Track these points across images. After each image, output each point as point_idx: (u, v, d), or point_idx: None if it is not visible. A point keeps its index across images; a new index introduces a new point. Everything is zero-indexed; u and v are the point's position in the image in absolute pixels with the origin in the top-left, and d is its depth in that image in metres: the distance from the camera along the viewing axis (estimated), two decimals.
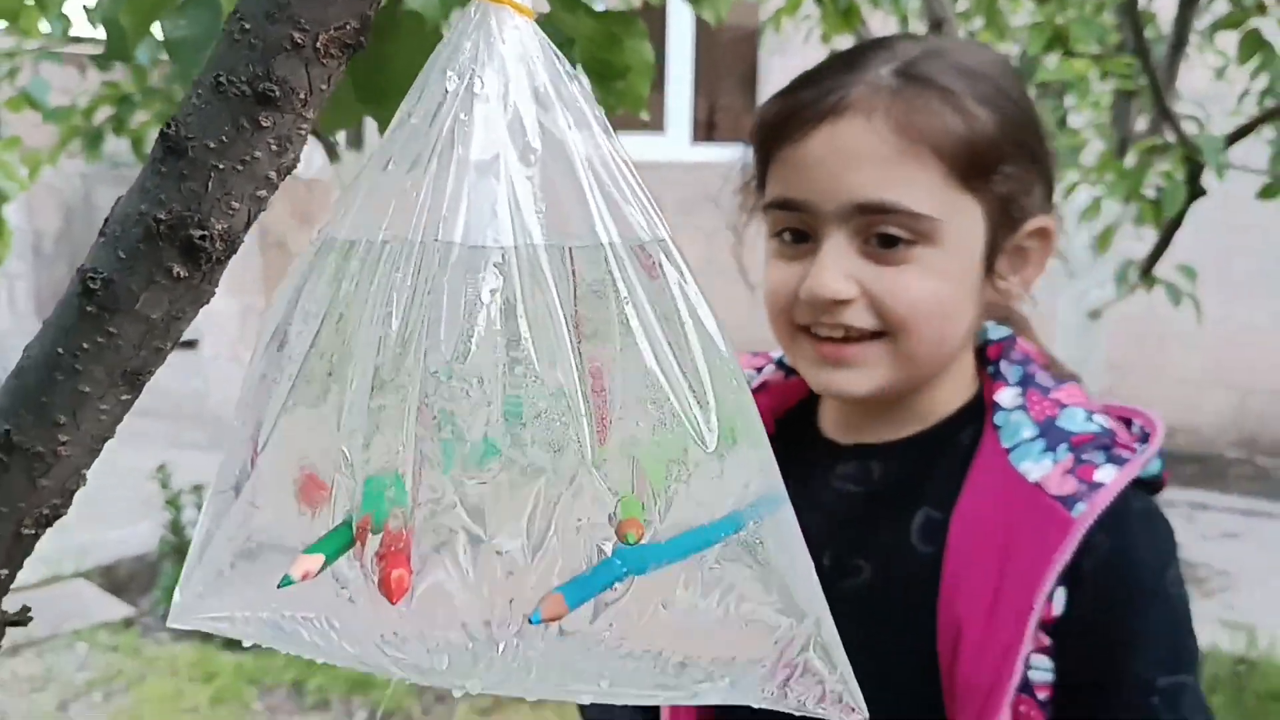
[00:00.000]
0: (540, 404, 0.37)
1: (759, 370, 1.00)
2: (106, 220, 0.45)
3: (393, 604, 0.36)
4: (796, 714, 0.42)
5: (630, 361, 0.39)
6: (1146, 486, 0.86)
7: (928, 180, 0.81)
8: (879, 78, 0.82)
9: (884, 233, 0.82)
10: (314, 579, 0.37)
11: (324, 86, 0.43)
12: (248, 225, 0.45)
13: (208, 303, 0.47)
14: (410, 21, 0.74)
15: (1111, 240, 2.20)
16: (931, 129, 0.81)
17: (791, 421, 0.96)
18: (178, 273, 0.44)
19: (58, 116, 2.91)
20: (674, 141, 5.74)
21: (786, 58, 4.44)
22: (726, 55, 6.05)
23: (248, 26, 0.42)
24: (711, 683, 0.40)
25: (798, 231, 0.86)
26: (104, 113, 2.90)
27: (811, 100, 0.84)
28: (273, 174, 0.44)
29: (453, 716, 3.09)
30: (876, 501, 0.90)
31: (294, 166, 0.45)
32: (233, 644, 3.42)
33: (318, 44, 0.42)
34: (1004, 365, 0.90)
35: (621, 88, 0.88)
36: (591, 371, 0.37)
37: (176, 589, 0.45)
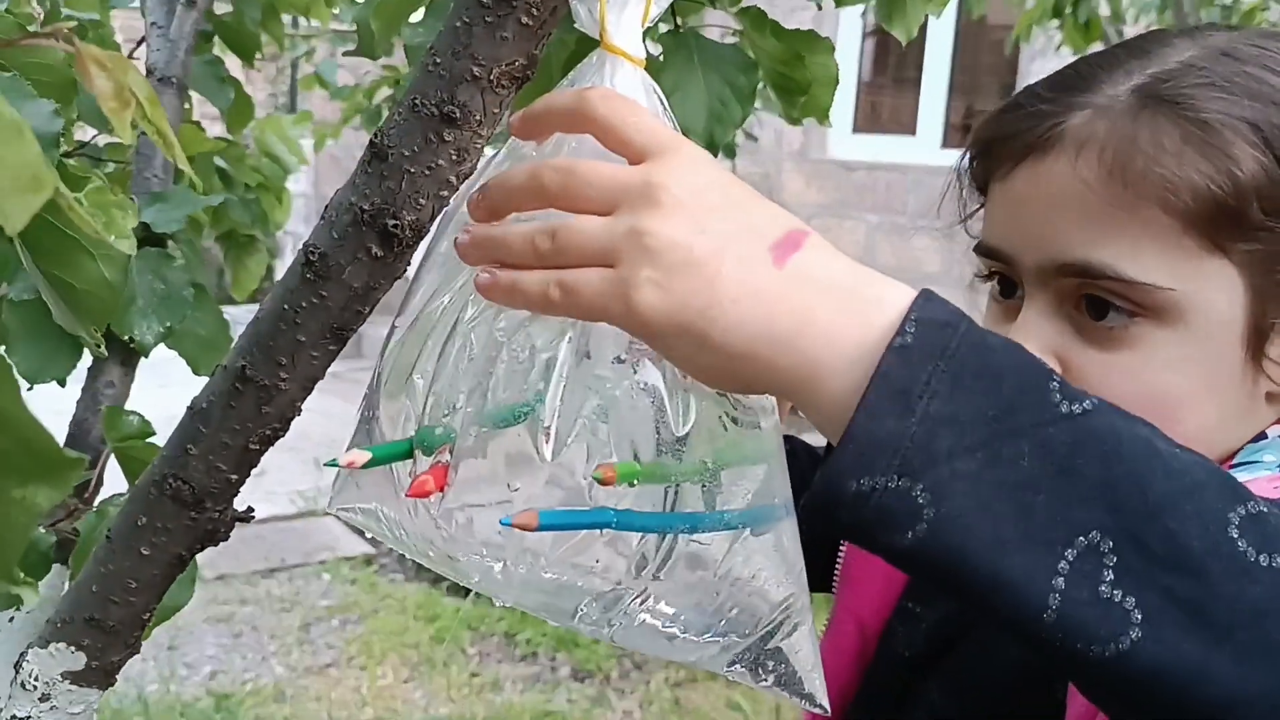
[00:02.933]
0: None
1: None
2: (327, 206, 0.56)
3: (407, 496, 0.47)
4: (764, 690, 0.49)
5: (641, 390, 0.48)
6: None
7: (1153, 238, 0.62)
8: (1111, 98, 0.64)
9: (1095, 296, 0.64)
10: (359, 470, 0.49)
11: (496, 110, 0.54)
12: (433, 218, 0.56)
13: (401, 276, 0.59)
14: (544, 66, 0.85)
15: None
16: (1159, 176, 0.61)
17: None
18: (375, 252, 0.55)
19: (342, 95, 3.22)
20: (924, 144, 5.66)
21: (1048, 60, 4.31)
22: (987, 57, 5.90)
23: (439, 60, 0.52)
24: (697, 646, 0.48)
25: (1006, 280, 0.71)
26: (383, 93, 3.19)
27: (1019, 129, 0.68)
28: (453, 178, 0.55)
29: (648, 684, 3.23)
30: None
31: (471, 173, 0.56)
32: (456, 590, 3.68)
33: (492, 76, 0.52)
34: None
35: (805, 101, 0.95)
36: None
37: (332, 486, 0.58)
